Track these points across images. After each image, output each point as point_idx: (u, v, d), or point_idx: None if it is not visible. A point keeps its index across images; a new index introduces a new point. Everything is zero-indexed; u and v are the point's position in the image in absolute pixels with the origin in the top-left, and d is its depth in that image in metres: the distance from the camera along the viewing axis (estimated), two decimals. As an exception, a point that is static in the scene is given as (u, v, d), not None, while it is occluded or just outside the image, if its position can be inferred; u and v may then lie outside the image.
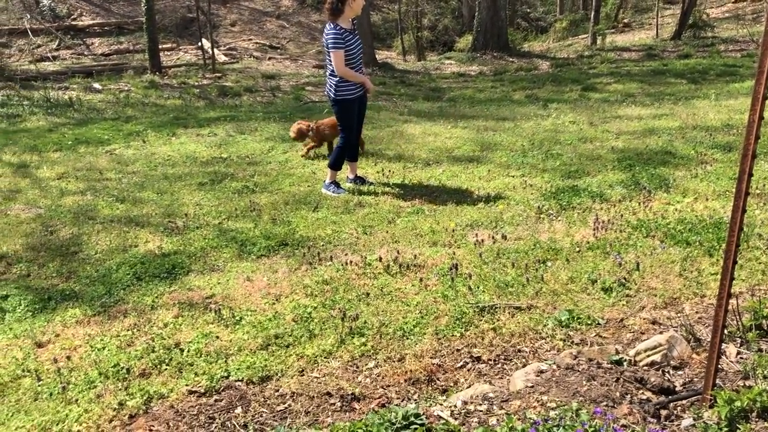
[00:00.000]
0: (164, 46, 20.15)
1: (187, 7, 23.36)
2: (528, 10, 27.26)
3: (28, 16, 21.48)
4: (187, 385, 3.14)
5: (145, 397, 3.04)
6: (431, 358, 3.29)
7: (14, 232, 5.40)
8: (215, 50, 18.95)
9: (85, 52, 20.59)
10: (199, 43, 19.63)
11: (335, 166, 6.22)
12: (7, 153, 8.19)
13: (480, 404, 2.66)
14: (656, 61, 17.05)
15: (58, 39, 20.81)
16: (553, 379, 2.77)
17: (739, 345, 3.02)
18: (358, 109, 6.08)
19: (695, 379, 2.80)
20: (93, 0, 23.80)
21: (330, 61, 5.79)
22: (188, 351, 3.45)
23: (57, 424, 2.88)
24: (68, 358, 3.42)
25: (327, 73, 5.95)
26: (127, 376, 3.23)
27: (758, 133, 2.23)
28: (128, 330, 3.73)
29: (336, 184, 6.22)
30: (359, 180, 6.44)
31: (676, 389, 2.73)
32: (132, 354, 3.43)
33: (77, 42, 21.22)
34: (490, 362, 3.22)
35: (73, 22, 22.17)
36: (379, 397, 2.97)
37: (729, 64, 15.09)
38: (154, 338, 3.60)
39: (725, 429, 2.22)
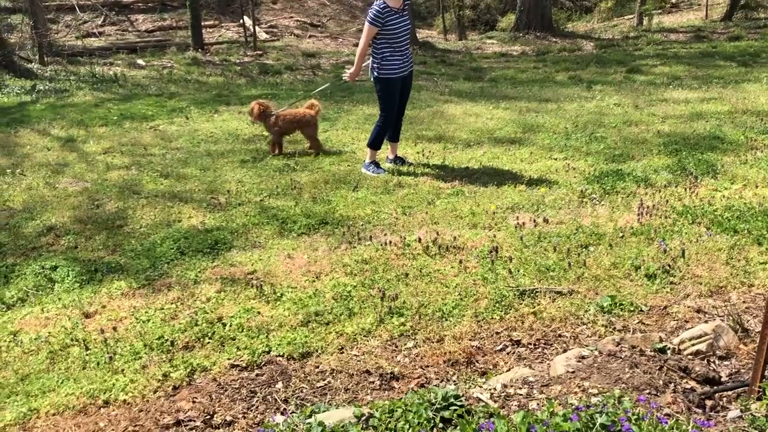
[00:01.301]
0: (206, 23, 20.28)
1: (230, -16, 23.43)
2: None
3: (75, -8, 21.79)
4: (229, 358, 3.20)
5: (188, 370, 3.10)
6: (470, 340, 3.29)
7: (62, 204, 5.53)
8: (256, 28, 19.01)
9: (129, 29, 20.85)
10: (241, 21, 19.71)
11: (374, 146, 6.21)
12: (55, 127, 8.37)
13: (520, 388, 2.66)
14: (705, 43, 16.55)
15: (103, 15, 21.11)
16: (595, 365, 2.74)
17: (788, 337, 2.95)
18: (401, 90, 6.05)
19: (742, 370, 2.74)
20: (137, -24, 24.02)
21: (373, 41, 5.79)
22: (230, 325, 3.51)
23: (104, 393, 2.96)
24: (114, 329, 3.51)
25: (370, 51, 5.94)
26: (171, 348, 3.31)
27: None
28: (172, 303, 3.80)
29: (376, 163, 6.22)
30: (399, 160, 6.43)
31: (722, 380, 2.68)
32: (176, 327, 3.51)
33: (122, 18, 21.49)
34: (530, 346, 3.21)
35: (118, -1, 22.44)
36: (418, 377, 2.99)
37: (782, 46, 14.58)
38: (197, 312, 3.67)
39: (773, 422, 2.17)
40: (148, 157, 6.92)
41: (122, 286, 4.07)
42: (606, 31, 20.41)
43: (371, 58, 5.94)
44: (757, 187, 5.26)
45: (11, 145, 7.60)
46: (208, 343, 3.37)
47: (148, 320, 3.62)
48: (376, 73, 5.89)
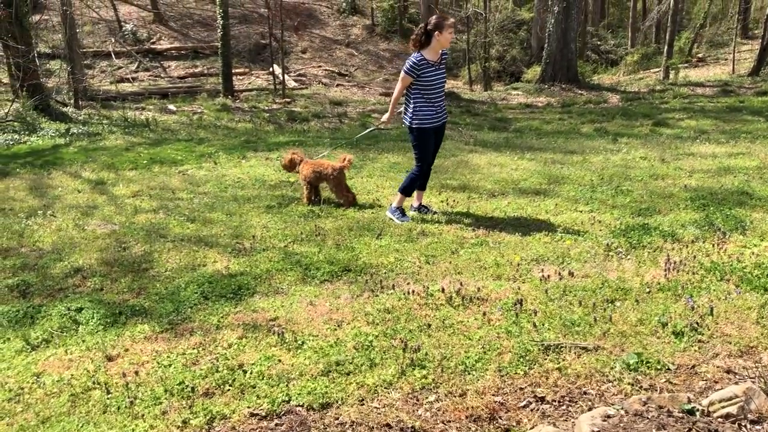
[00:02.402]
0: (237, 70, 20.80)
1: (261, 33, 24.09)
2: (598, 43, 26.94)
3: (112, 40, 22.55)
4: (248, 407, 3.18)
5: (207, 417, 3.08)
6: (493, 395, 3.23)
7: (90, 246, 5.62)
8: (285, 76, 19.43)
9: (162, 75, 21.45)
10: (271, 69, 20.18)
11: (405, 192, 6.26)
12: (86, 170, 8.56)
13: (544, 447, 2.60)
14: (732, 97, 16.54)
15: (137, 62, 21.75)
16: (621, 425, 2.68)
17: (822, 401, 2.85)
18: (435, 139, 6.13)
19: (774, 435, 2.65)
20: (172, 25, 24.83)
21: (407, 90, 5.94)
22: (251, 373, 3.49)
23: (123, 438, 2.95)
24: (136, 373, 3.51)
25: (403, 100, 6.05)
26: (191, 394, 3.29)
27: None
28: (194, 348, 3.80)
29: (402, 210, 6.26)
30: (423, 209, 6.45)
31: (754, 445, 2.60)
32: (197, 373, 3.50)
33: (155, 65, 22.14)
34: (554, 403, 3.14)
35: (152, 46, 23.16)
36: (440, 432, 2.93)
37: (811, 102, 14.51)
38: (218, 358, 3.67)
39: (809, 492, 2.09)
40: (175, 201, 7.02)
41: (145, 329, 4.09)
42: (632, 84, 20.52)
43: (404, 107, 6.06)
44: (787, 244, 5.18)
45: (44, 186, 7.78)
46: (228, 390, 3.35)
47: (170, 365, 3.62)
48: (408, 122, 5.98)
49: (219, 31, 17.33)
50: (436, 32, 5.75)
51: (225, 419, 3.08)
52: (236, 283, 4.75)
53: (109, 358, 3.74)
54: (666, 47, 20.74)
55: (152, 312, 4.35)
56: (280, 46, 21.18)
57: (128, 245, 5.66)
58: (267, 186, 7.67)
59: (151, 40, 23.67)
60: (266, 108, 15.98)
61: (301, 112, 15.20)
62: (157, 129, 12.36)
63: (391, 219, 6.18)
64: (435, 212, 6.43)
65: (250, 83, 20.51)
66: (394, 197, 6.44)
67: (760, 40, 20.09)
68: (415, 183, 6.26)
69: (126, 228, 6.11)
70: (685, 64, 22.44)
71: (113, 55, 21.44)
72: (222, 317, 4.23)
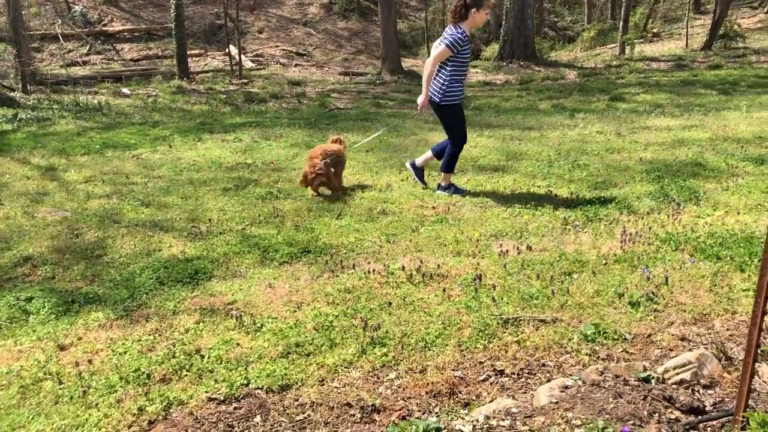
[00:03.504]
0: (192, 52, 20.38)
1: (216, 14, 23.62)
2: (555, 19, 27.09)
3: (60, 22, 21.86)
4: (206, 391, 3.12)
5: (164, 403, 3.02)
6: (453, 370, 3.23)
7: (41, 234, 5.45)
8: (242, 57, 19.10)
9: (115, 58, 20.90)
10: (227, 50, 19.83)
11: (450, 169, 6.29)
12: (36, 156, 8.30)
13: (503, 419, 2.61)
14: (686, 71, 16.82)
15: (88, 44, 21.14)
16: (579, 395, 2.70)
17: (772, 364, 2.92)
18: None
19: (726, 399, 2.71)
20: (123, 6, 24.17)
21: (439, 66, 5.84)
22: (209, 357, 3.43)
23: (77, 429, 2.87)
24: (90, 361, 3.42)
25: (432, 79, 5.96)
26: (147, 381, 3.22)
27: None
28: (150, 335, 3.72)
29: (453, 186, 6.31)
30: (421, 176, 6.56)
31: (707, 409, 2.64)
32: (153, 359, 3.43)
33: (107, 47, 21.55)
34: (513, 376, 3.16)
35: (104, 28, 22.54)
36: (400, 409, 2.92)
37: (761, 75, 14.84)
38: (175, 344, 3.59)
39: (759, 453, 2.13)
40: (129, 186, 6.86)
41: (99, 317, 3.98)
42: (589, 60, 20.71)
43: (432, 86, 5.94)
44: (738, 213, 5.29)
45: (-9, 174, 7.51)
46: (186, 375, 3.29)
47: (125, 352, 3.53)
48: (438, 100, 5.91)
49: (172, 11, 16.91)
50: (474, 9, 5.67)
51: (182, 405, 3.03)
52: (193, 267, 4.66)
53: (62, 348, 3.63)
54: (621, 23, 20.96)
55: (106, 299, 4.24)
56: (236, 26, 20.79)
57: (81, 232, 5.50)
58: (223, 168, 7.54)
59: (103, 22, 23.02)
60: (223, 89, 15.69)
61: (258, 93, 14.97)
62: (111, 113, 12.04)
63: (442, 195, 6.22)
64: (426, 187, 6.53)
65: (206, 65, 20.12)
66: (441, 178, 6.42)
67: (712, 15, 20.44)
68: (456, 158, 6.26)
69: (78, 214, 5.94)
70: (641, 40, 22.70)
71: (61, 38, 20.79)
72: (178, 302, 4.14)
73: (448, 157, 6.22)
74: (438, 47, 5.80)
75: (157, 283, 4.43)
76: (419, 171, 6.57)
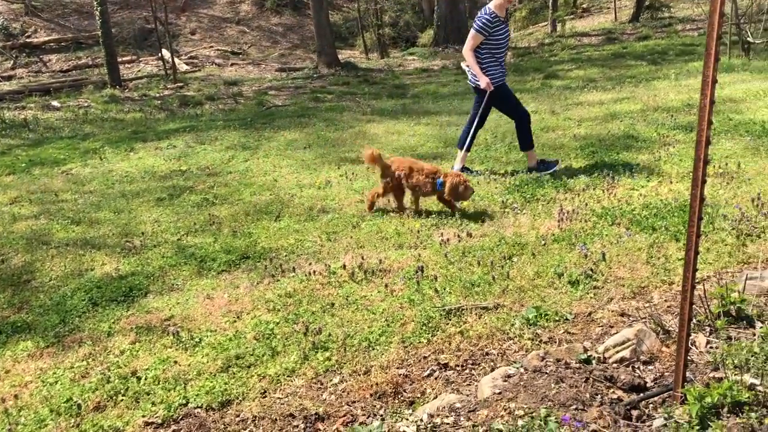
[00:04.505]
0: (124, 58, 19.79)
1: (145, 18, 22.98)
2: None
3: (-20, 36, 20.94)
4: (143, 415, 3.00)
5: (98, 433, 2.89)
6: (397, 368, 3.18)
7: (-36, 263, 5.18)
8: (176, 60, 18.63)
9: (43, 70, 20.13)
10: (159, 54, 19.31)
11: (530, 145, 6.13)
12: (-42, 180, 7.91)
13: (447, 416, 2.56)
14: (616, 44, 17.12)
15: (13, 58, 20.33)
16: (521, 383, 2.68)
17: (708, 334, 2.95)
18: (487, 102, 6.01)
19: (666, 374, 2.72)
20: (46, 16, 23.31)
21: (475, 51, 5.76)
22: (145, 379, 3.30)
23: (4, 470, 2.72)
24: (16, 396, 3.25)
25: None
26: (79, 411, 3.07)
27: (710, 118, 2.15)
28: (83, 360, 3.56)
29: (542, 162, 6.14)
30: (466, 169, 6.32)
31: (647, 385, 2.65)
32: (86, 386, 3.27)
33: (33, 59, 20.74)
34: (457, 368, 3.12)
35: (28, 40, 21.67)
36: (344, 415, 2.85)
37: (687, 43, 15.20)
38: (109, 368, 3.45)
39: (697, 428, 2.14)
40: (58, 204, 6.57)
41: (28, 346, 3.80)
42: (522, 39, 20.91)
43: (468, 68, 5.87)
44: (671, 182, 5.37)
45: None
46: (122, 400, 3.15)
47: (56, 382, 3.37)
48: (483, 85, 5.83)
49: (98, 18, 16.35)
50: None
51: (117, 433, 2.90)
52: (127, 284, 4.49)
53: (-12, 384, 3.45)
54: (551, 0, 21.19)
55: (36, 326, 4.04)
56: (167, 30, 20.24)
57: (6, 257, 5.25)
58: (157, 177, 7.30)
59: (26, 34, 22.13)
60: (157, 95, 15.27)
61: (194, 96, 14.60)
62: (38, 128, 11.57)
63: (537, 174, 5.96)
64: (478, 173, 6.28)
65: (139, 71, 19.55)
66: (528, 157, 6.26)
67: (638, -13, 20.84)
68: (530, 132, 6.09)
69: (3, 238, 5.66)
70: (571, 16, 23.03)
71: (-18, 53, 19.92)
72: (113, 323, 3.98)
73: (523, 132, 6.07)
74: (472, 33, 5.75)
75: (90, 305, 4.26)
76: (468, 171, 6.29)
